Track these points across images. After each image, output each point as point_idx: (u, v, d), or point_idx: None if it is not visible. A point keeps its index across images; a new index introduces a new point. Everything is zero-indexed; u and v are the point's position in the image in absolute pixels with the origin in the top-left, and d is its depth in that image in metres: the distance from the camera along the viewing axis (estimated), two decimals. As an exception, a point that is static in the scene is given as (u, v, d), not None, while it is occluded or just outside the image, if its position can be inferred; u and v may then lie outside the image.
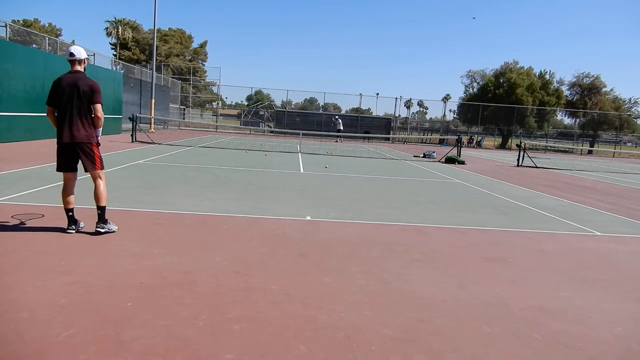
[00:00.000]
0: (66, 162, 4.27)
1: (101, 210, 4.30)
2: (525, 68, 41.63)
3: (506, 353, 2.63)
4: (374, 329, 2.79)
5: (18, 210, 5.03)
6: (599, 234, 6.07)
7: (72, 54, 4.22)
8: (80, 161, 4.28)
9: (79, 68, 4.25)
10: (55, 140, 4.26)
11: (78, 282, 3.17)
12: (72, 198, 4.31)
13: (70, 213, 4.30)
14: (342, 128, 30.68)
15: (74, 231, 4.31)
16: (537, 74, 41.94)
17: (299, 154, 16.21)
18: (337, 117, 33.44)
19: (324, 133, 27.89)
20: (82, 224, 4.44)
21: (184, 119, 36.86)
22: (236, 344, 2.49)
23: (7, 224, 4.48)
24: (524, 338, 2.83)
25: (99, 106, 4.22)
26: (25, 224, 4.50)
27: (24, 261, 3.52)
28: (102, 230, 4.30)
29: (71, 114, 4.13)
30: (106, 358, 2.26)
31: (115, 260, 3.67)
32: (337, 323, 2.84)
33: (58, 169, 4.32)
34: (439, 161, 17.20)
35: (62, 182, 4.39)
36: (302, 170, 11.14)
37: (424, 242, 4.97)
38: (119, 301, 2.92)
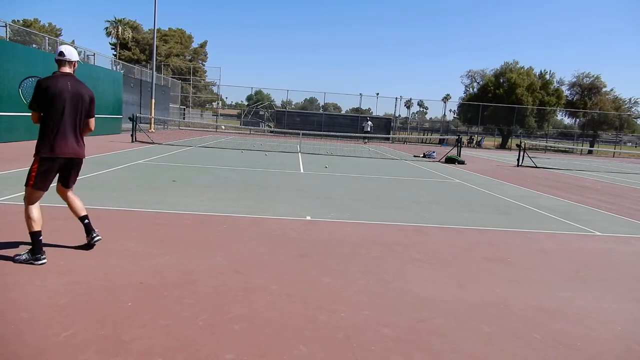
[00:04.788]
0: (58, 178, 3.72)
1: (88, 219, 3.89)
2: (525, 68, 41.59)
3: (506, 353, 2.63)
4: (374, 329, 2.79)
5: (18, 210, 5.02)
6: (599, 234, 6.07)
7: (61, 54, 3.62)
8: (64, 177, 3.74)
9: (69, 70, 3.67)
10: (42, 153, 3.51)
11: (78, 282, 3.17)
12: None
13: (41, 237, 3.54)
14: (369, 130, 30.57)
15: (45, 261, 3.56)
16: (537, 74, 41.90)
17: (299, 154, 16.21)
18: (368, 119, 33.33)
19: (324, 133, 27.86)
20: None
21: (184, 119, 36.85)
22: (236, 344, 2.49)
23: (7, 224, 4.48)
24: (524, 338, 2.83)
25: (93, 120, 3.83)
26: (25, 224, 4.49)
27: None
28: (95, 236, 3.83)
29: (74, 124, 3.63)
30: (106, 358, 2.25)
31: (115, 260, 3.67)
32: (337, 323, 2.84)
33: (45, 188, 3.58)
34: (439, 161, 17.19)
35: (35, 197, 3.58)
36: (302, 170, 11.14)
37: (424, 242, 4.97)
38: (119, 301, 2.92)
